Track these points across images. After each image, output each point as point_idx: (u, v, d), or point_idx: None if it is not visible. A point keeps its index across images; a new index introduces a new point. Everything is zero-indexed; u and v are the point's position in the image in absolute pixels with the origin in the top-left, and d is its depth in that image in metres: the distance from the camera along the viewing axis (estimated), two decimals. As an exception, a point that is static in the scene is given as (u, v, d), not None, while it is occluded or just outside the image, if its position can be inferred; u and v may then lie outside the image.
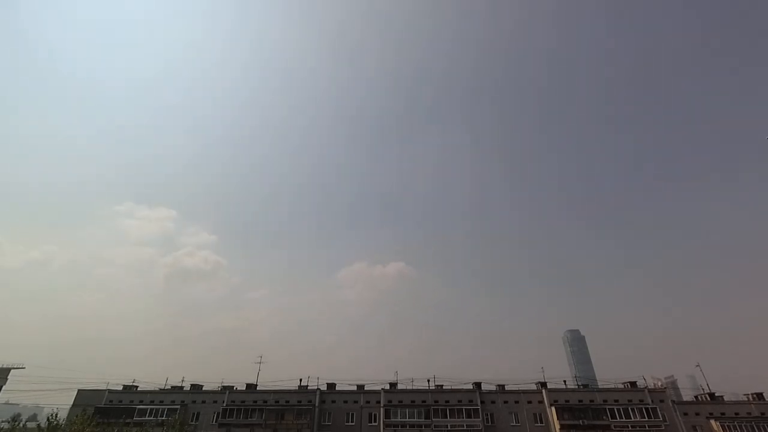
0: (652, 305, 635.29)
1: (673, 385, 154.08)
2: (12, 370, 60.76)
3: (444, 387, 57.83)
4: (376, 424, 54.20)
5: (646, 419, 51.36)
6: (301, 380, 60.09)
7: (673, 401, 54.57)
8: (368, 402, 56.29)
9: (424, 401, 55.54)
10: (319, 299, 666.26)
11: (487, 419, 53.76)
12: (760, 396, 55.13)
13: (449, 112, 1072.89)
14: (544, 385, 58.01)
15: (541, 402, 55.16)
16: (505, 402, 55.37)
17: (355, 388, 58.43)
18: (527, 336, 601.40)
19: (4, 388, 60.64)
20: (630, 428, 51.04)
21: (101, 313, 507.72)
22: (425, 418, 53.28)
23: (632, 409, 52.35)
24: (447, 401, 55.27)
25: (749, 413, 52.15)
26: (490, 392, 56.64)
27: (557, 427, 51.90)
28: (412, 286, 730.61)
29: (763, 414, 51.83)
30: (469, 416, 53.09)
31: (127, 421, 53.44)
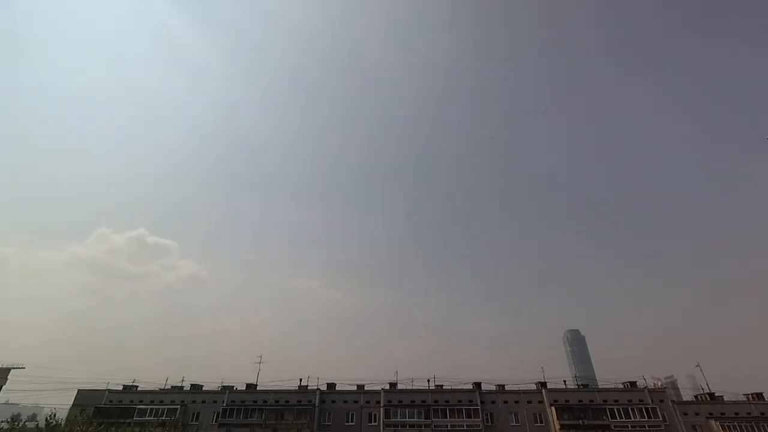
0: (652, 305, 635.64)
1: (673, 385, 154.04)
2: (12, 370, 60.68)
3: (444, 387, 57.81)
4: (376, 424, 54.20)
5: (646, 419, 51.36)
6: (300, 380, 60.12)
7: (673, 401, 54.57)
8: (368, 402, 56.28)
9: (424, 401, 55.53)
10: (320, 299, 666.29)
11: (487, 419, 53.76)
12: (760, 396, 55.12)
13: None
14: (544, 385, 58.01)
15: (541, 402, 55.16)
16: (505, 402, 55.36)
17: (355, 388, 58.44)
18: (527, 336, 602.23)
19: (4, 387, 60.56)
20: (630, 428, 51.05)
21: (101, 313, 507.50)
22: (425, 418, 53.28)
23: (632, 409, 52.35)
24: (447, 401, 55.26)
25: (749, 413, 52.14)
26: (490, 392, 56.63)
27: (557, 427, 51.90)
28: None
29: (763, 414, 51.82)
30: (469, 416, 53.10)
31: (128, 421, 53.44)
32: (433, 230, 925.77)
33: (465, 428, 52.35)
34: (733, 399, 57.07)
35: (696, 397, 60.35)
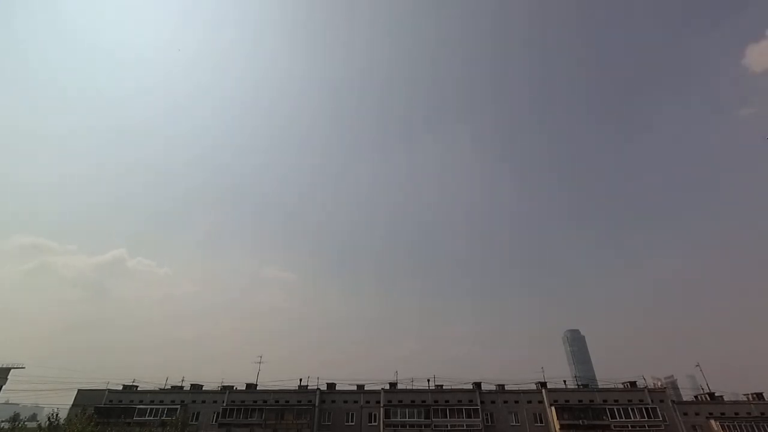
0: (651, 305, 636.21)
1: (673, 385, 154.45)
2: (12, 370, 60.75)
3: (444, 387, 57.88)
4: (376, 423, 54.23)
5: (646, 419, 51.40)
6: (300, 380, 60.19)
7: (672, 401, 54.63)
8: (368, 402, 56.32)
9: (423, 401, 55.57)
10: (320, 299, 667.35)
11: (486, 419, 53.79)
12: (760, 396, 55.18)
13: (446, 115, 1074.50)
14: (543, 384, 58.05)
15: (541, 402, 55.20)
16: (505, 402, 55.40)
17: (355, 387, 58.51)
18: (527, 336, 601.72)
19: (3, 387, 60.64)
20: (630, 428, 51.09)
21: (101, 313, 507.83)
22: (425, 418, 53.31)
23: (632, 409, 52.39)
24: (447, 401, 55.30)
25: (749, 413, 52.18)
26: (489, 392, 56.68)
27: (557, 426, 51.93)
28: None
29: (763, 414, 51.88)
30: (468, 416, 53.13)
31: (128, 421, 53.50)
32: (431, 230, 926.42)
33: (465, 428, 52.39)
34: (733, 399, 57.12)
35: (696, 397, 60.44)
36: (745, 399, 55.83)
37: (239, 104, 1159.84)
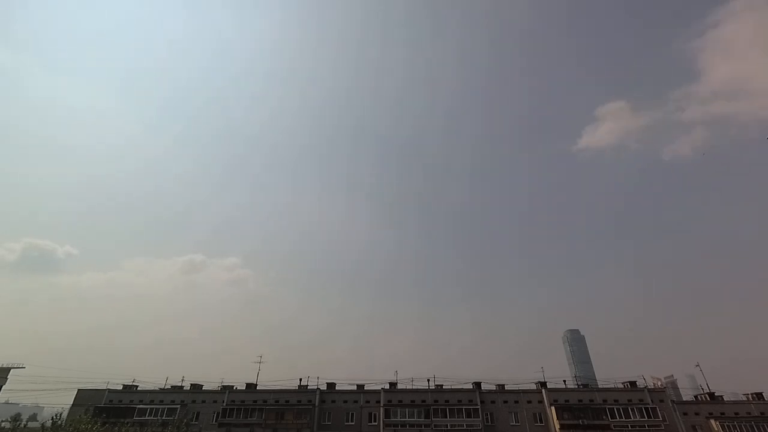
0: (652, 305, 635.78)
1: (673, 384, 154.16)
2: (12, 370, 60.77)
3: (444, 387, 57.90)
4: (376, 423, 54.25)
5: (646, 419, 51.40)
6: (300, 380, 60.21)
7: (672, 401, 54.63)
8: (368, 402, 56.34)
9: (423, 401, 55.58)
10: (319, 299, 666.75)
11: (486, 419, 53.80)
12: (759, 396, 55.15)
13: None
14: (543, 384, 58.04)
15: (541, 402, 55.20)
16: (505, 402, 55.41)
17: (354, 387, 58.53)
18: (527, 336, 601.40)
19: (4, 387, 60.66)
20: (630, 428, 51.09)
21: (101, 313, 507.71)
22: (425, 418, 53.33)
23: (632, 409, 52.39)
24: (447, 401, 55.31)
25: (749, 413, 52.17)
26: (489, 392, 56.69)
27: (557, 426, 51.94)
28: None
29: (762, 414, 51.86)
30: (468, 416, 53.13)
31: (128, 420, 53.49)
32: (431, 230, 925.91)
33: (465, 428, 52.40)
34: (732, 399, 57.16)
35: (696, 396, 60.44)
36: (745, 399, 55.81)
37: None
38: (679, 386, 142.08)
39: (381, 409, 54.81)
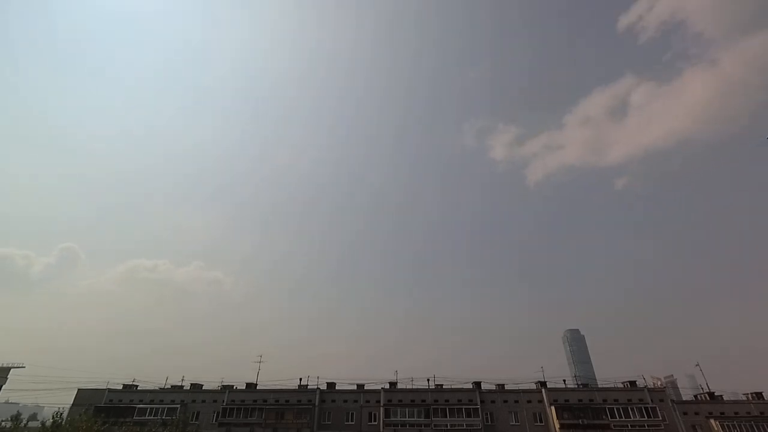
0: (651, 305, 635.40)
1: (673, 384, 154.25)
2: (12, 369, 60.81)
3: (444, 386, 57.89)
4: (376, 423, 54.25)
5: (646, 419, 51.39)
6: (300, 379, 60.22)
7: (672, 401, 54.61)
8: (368, 401, 56.33)
9: (423, 400, 55.58)
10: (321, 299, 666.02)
11: (486, 418, 53.79)
12: (759, 395, 55.12)
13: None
14: (543, 384, 57.99)
15: (541, 401, 55.19)
16: (505, 401, 55.41)
17: (354, 387, 58.51)
18: (527, 335, 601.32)
19: (4, 387, 60.71)
20: (629, 428, 51.08)
21: (101, 313, 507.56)
22: (425, 418, 53.32)
23: (632, 409, 52.38)
24: (447, 400, 55.31)
25: (749, 413, 52.14)
26: (489, 392, 56.67)
27: (557, 426, 51.94)
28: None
29: (762, 413, 51.82)
30: (468, 415, 53.13)
31: (128, 420, 53.50)
32: (430, 230, 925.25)
33: (465, 428, 52.39)
34: (732, 398, 57.06)
35: (696, 396, 60.38)
36: (745, 398, 55.79)
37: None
38: (679, 386, 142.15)
39: (381, 408, 54.81)
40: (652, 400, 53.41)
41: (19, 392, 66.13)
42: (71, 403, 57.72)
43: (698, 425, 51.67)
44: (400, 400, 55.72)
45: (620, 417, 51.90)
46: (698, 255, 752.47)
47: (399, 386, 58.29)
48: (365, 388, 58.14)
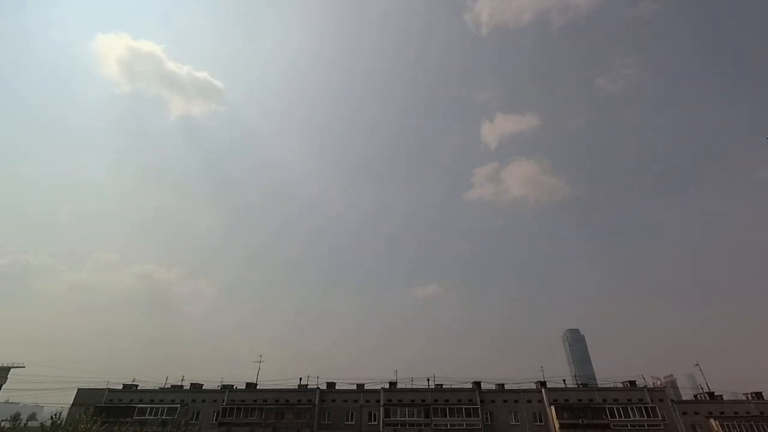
0: (651, 305, 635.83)
1: (673, 384, 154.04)
2: (12, 369, 60.75)
3: (443, 386, 57.91)
4: (376, 423, 54.27)
5: (646, 418, 51.43)
6: (300, 379, 60.24)
7: (672, 400, 54.67)
8: (368, 401, 56.35)
9: (423, 400, 55.60)
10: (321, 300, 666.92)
11: (486, 418, 53.82)
12: (759, 395, 55.15)
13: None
14: (543, 384, 58.00)
15: (541, 401, 55.23)
16: (505, 401, 55.44)
17: (354, 387, 58.54)
18: (527, 335, 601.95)
19: (3, 387, 60.65)
20: (629, 427, 51.12)
21: (101, 312, 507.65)
22: (425, 417, 53.35)
23: (631, 409, 52.42)
24: (447, 400, 55.33)
25: (748, 412, 52.20)
26: (489, 391, 56.71)
27: (557, 426, 51.98)
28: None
29: (762, 413, 51.89)
30: (468, 415, 53.16)
31: (127, 420, 53.48)
32: (433, 231, 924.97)
33: (465, 427, 52.42)
34: (732, 398, 57.12)
35: (695, 396, 60.46)
36: (745, 398, 55.84)
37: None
38: (678, 386, 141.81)
39: (381, 408, 54.83)
40: (651, 400, 53.44)
41: (19, 392, 66.06)
42: (71, 403, 57.68)
43: (698, 425, 51.72)
44: (400, 400, 55.75)
45: (620, 417, 51.93)
46: (698, 255, 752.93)
47: (399, 386, 58.33)
48: (365, 387, 58.18)
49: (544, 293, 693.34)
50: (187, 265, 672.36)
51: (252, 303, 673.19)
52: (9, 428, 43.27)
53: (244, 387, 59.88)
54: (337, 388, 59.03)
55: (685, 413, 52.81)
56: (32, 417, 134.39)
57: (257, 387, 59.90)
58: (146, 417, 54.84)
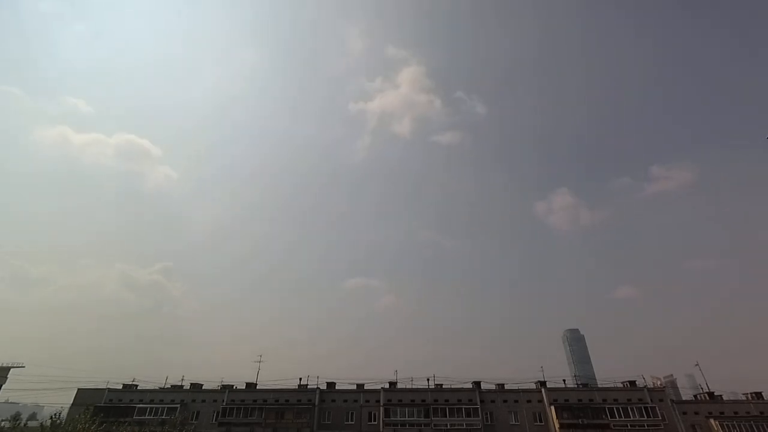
0: (652, 305, 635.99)
1: (673, 384, 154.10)
2: (12, 369, 60.75)
3: (443, 386, 57.90)
4: (376, 423, 54.27)
5: (646, 418, 51.44)
6: (300, 379, 60.21)
7: (672, 400, 54.67)
8: (368, 401, 56.35)
9: (423, 400, 55.60)
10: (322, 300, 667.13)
11: (486, 418, 53.82)
12: (759, 395, 55.16)
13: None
14: (543, 384, 58.01)
15: (541, 401, 55.23)
16: (505, 401, 55.43)
17: (354, 387, 58.51)
18: (527, 335, 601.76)
19: (3, 386, 60.64)
20: (629, 427, 51.13)
21: (101, 312, 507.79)
22: (425, 417, 53.35)
23: (631, 408, 52.42)
24: (447, 400, 55.32)
25: (748, 412, 52.20)
26: (489, 391, 56.70)
27: (557, 425, 51.97)
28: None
29: (762, 413, 51.90)
30: (468, 415, 53.16)
31: (127, 420, 53.51)
32: (430, 230, 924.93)
33: (464, 427, 52.42)
34: (732, 398, 57.14)
35: (695, 396, 60.48)
36: (745, 398, 55.85)
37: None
38: (678, 386, 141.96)
39: (381, 408, 54.82)
40: (651, 400, 53.45)
41: (19, 392, 66.04)
42: (71, 402, 57.69)
43: (698, 425, 51.72)
44: (400, 400, 55.75)
45: (620, 417, 51.94)
46: (698, 255, 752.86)
47: (399, 386, 58.32)
48: (365, 387, 58.16)
49: (545, 293, 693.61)
50: (184, 266, 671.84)
51: (252, 303, 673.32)
52: (9, 428, 43.23)
53: (244, 387, 59.88)
54: (337, 388, 59.02)
55: (685, 413, 52.82)
56: (32, 417, 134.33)
57: (257, 387, 59.89)
58: (146, 417, 54.87)
